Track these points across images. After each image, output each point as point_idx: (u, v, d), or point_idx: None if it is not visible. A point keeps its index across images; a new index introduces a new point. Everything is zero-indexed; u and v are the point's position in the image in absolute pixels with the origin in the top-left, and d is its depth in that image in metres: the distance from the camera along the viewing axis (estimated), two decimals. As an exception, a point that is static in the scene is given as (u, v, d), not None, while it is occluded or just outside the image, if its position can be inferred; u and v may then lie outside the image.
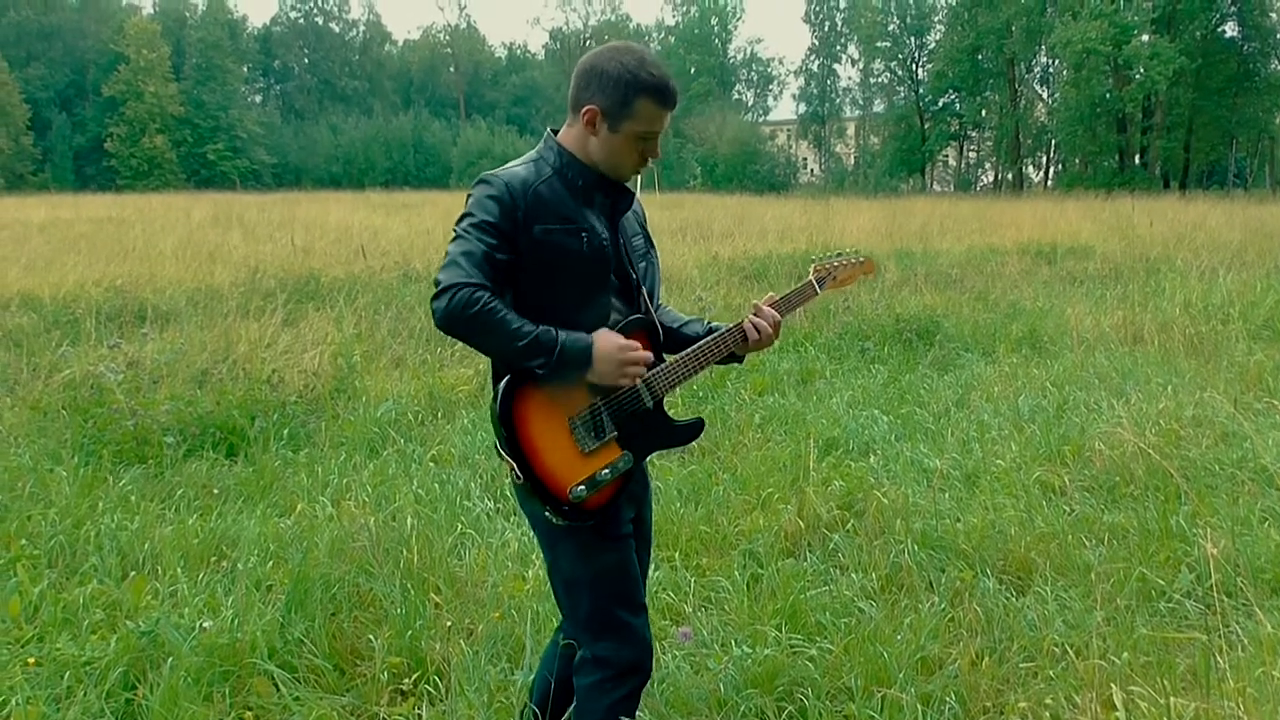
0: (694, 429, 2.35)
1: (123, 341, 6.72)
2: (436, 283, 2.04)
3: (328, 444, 5.48)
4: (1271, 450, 4.91)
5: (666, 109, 2.18)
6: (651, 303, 2.34)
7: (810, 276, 2.57)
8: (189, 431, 5.33)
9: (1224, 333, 8.14)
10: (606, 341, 2.14)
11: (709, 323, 2.47)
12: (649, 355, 2.23)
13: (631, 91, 2.13)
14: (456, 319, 2.01)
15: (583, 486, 2.14)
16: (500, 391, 2.12)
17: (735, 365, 2.49)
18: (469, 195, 2.16)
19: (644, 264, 2.35)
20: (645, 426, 2.25)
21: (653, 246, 2.43)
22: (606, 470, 2.18)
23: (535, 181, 2.16)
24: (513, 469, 2.12)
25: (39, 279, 11.02)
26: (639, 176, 2.39)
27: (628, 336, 2.21)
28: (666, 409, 2.30)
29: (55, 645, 3.07)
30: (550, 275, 2.15)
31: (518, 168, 2.20)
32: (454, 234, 2.11)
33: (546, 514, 2.15)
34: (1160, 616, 3.43)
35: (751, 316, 2.39)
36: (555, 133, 2.28)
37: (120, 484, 4.65)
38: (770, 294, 2.48)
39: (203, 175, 62.19)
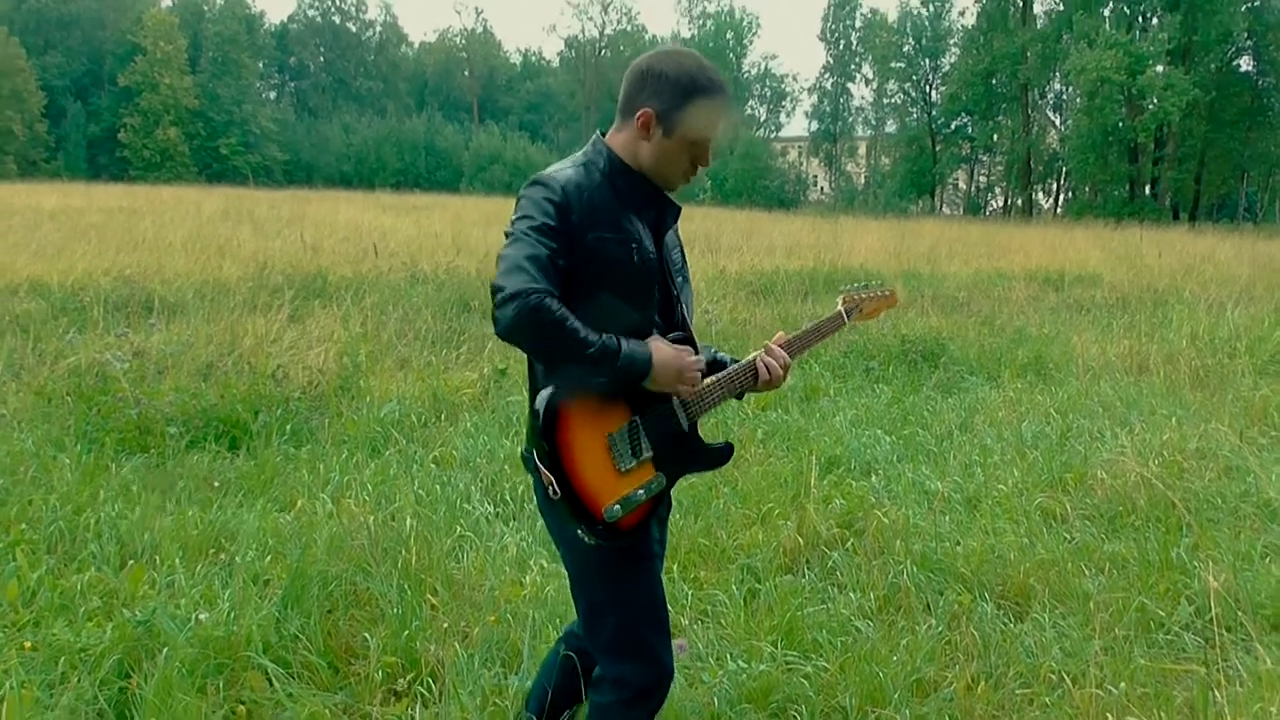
0: (725, 453, 2.29)
1: (129, 331, 6.77)
2: (498, 289, 1.90)
3: (330, 441, 5.48)
4: (1276, 485, 4.90)
5: (722, 115, 2.12)
6: (688, 318, 2.28)
7: (839, 307, 2.53)
8: (192, 423, 5.34)
9: (1230, 366, 8.12)
10: (664, 349, 2.09)
11: (714, 350, 2.40)
12: (702, 362, 2.18)
13: (689, 95, 2.07)
14: (526, 328, 1.89)
15: (618, 506, 2.08)
16: (544, 406, 2.05)
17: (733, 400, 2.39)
18: (520, 197, 2.07)
19: (680, 279, 2.29)
20: (679, 448, 2.20)
21: (686, 262, 2.38)
22: (641, 490, 2.12)
23: (589, 187, 2.08)
24: (551, 484, 2.05)
25: (48, 266, 11.06)
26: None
27: None
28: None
29: (51, 631, 3.07)
30: (597, 285, 2.06)
31: (569, 170, 2.11)
32: (511, 236, 1.99)
33: (579, 533, 2.08)
34: (1158, 648, 3.42)
35: (763, 356, 2.31)
36: (604, 135, 2.20)
37: (122, 473, 4.66)
38: (780, 333, 2.40)
39: (214, 169, 62.48)
